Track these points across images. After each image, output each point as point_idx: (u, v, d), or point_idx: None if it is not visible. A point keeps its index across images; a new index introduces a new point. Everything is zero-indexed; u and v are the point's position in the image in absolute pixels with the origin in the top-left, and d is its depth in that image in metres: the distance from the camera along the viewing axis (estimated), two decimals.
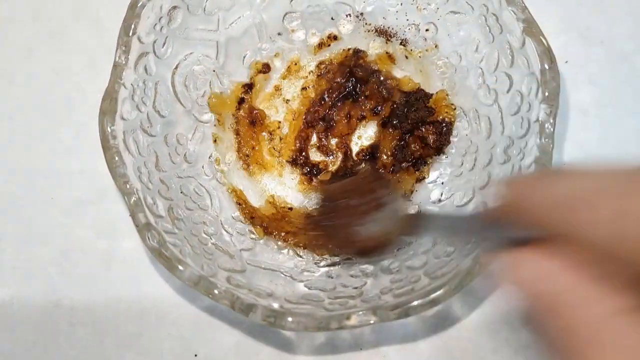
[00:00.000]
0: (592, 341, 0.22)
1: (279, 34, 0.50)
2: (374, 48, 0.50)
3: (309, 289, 0.42)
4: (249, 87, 0.50)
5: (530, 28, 0.40)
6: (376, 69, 0.49)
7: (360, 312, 0.37)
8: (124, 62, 0.40)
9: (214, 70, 0.48)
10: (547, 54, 0.39)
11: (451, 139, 0.48)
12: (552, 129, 0.39)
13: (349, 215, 0.42)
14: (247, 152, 0.50)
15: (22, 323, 0.48)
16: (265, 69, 0.50)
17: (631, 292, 0.22)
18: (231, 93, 0.49)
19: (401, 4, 0.47)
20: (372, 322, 0.36)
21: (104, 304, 0.48)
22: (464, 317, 0.46)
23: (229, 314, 0.47)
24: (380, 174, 0.48)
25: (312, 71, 0.51)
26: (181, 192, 0.44)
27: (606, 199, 0.22)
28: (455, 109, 0.47)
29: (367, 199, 0.42)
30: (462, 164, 0.47)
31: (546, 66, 0.39)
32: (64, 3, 0.55)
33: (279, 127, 0.51)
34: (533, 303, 0.24)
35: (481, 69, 0.45)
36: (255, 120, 0.50)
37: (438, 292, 0.37)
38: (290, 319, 0.37)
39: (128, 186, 0.39)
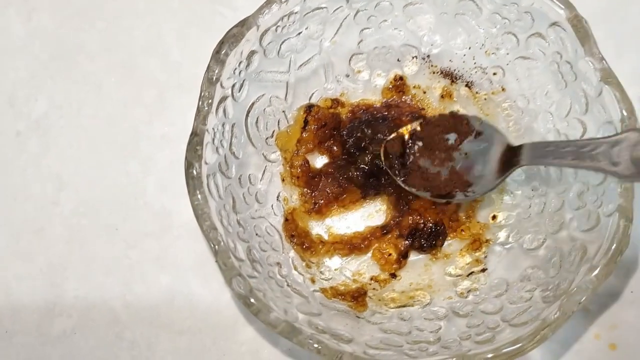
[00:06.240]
0: None
1: (347, 75, 0.50)
2: (438, 89, 0.51)
3: (384, 332, 0.43)
4: None
5: (608, 77, 0.40)
6: None
7: None
8: (206, 108, 0.41)
9: (283, 111, 0.49)
10: (627, 102, 0.40)
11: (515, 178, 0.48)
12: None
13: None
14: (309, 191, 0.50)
15: (84, 355, 0.49)
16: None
17: None
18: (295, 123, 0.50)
19: (469, 47, 0.48)
20: None
21: (166, 338, 0.48)
22: None
23: (302, 356, 0.47)
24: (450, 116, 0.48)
25: None
26: (256, 234, 0.45)
27: None
28: None
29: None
30: (530, 207, 0.47)
31: (625, 114, 0.40)
32: (135, 36, 0.55)
33: None
34: None
35: (551, 113, 0.45)
36: None
37: (523, 343, 0.37)
38: None
39: (213, 232, 0.39)
